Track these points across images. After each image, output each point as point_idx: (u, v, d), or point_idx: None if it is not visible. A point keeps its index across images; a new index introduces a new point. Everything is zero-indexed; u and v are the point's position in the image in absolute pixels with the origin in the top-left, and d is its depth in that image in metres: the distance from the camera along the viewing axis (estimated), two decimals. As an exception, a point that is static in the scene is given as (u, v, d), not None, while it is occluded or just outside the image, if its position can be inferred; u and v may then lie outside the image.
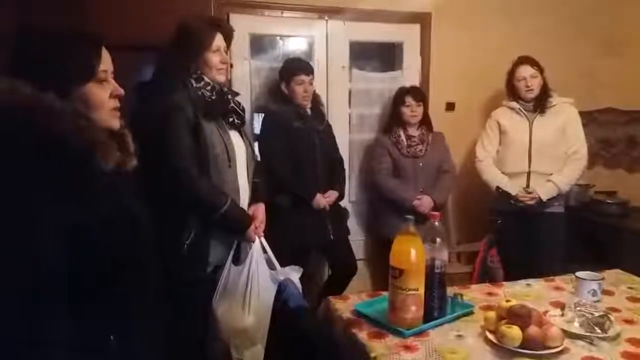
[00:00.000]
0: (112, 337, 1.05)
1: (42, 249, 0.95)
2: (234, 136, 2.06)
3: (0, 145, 0.98)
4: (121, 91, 1.18)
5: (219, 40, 2.03)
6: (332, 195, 2.92)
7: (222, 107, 2.01)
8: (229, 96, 2.07)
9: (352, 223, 3.39)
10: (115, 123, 1.17)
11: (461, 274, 3.23)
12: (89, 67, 1.11)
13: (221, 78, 2.06)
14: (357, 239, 3.46)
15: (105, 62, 1.15)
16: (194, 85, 1.95)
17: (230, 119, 2.04)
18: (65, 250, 0.96)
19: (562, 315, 1.70)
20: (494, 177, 3.01)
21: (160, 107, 1.90)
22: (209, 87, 1.97)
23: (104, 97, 1.14)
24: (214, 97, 1.97)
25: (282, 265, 2.10)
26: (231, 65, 2.11)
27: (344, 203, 3.13)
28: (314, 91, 2.94)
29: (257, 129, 3.07)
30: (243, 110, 2.13)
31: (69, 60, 1.08)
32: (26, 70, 1.05)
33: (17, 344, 0.94)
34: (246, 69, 3.15)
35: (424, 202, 2.98)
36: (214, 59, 2.01)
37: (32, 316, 0.94)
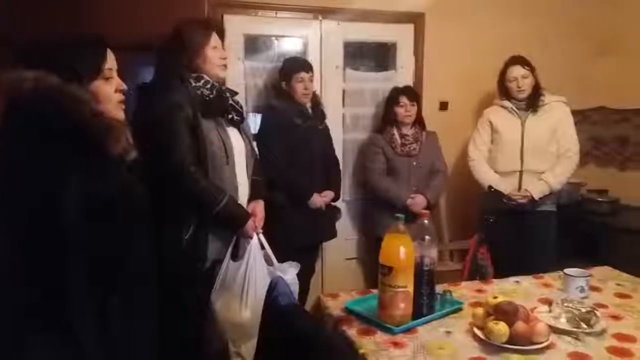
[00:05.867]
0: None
1: (60, 220, 1.02)
2: (233, 134, 2.10)
3: (25, 126, 1.09)
4: (125, 86, 1.32)
5: (215, 38, 2.09)
6: (329, 195, 2.93)
7: (221, 105, 2.06)
8: (228, 94, 2.11)
9: (346, 222, 3.42)
10: (121, 114, 1.31)
11: (453, 272, 3.24)
12: (95, 67, 1.24)
13: (222, 73, 2.13)
14: (350, 238, 3.50)
15: (110, 61, 1.28)
16: (193, 84, 2.01)
17: (230, 117, 2.08)
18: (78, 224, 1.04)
19: (550, 311, 1.73)
20: (486, 176, 3.03)
21: (160, 106, 1.95)
22: (208, 86, 2.02)
23: (110, 92, 1.28)
24: (212, 96, 2.02)
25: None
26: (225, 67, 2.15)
27: (337, 203, 3.13)
28: (314, 91, 2.96)
29: (253, 129, 3.09)
30: (242, 107, 2.17)
31: (78, 61, 1.20)
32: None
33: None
34: (241, 70, 3.17)
35: (418, 201, 3.00)
36: (214, 55, 2.07)
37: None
